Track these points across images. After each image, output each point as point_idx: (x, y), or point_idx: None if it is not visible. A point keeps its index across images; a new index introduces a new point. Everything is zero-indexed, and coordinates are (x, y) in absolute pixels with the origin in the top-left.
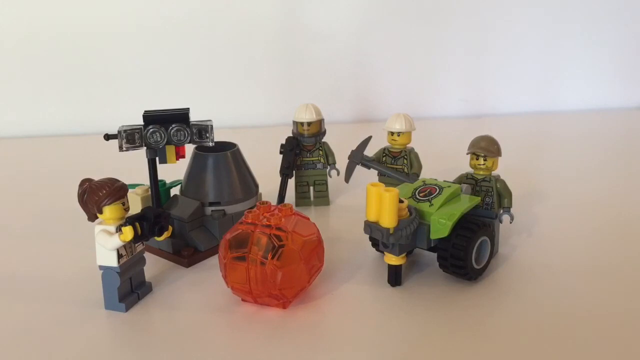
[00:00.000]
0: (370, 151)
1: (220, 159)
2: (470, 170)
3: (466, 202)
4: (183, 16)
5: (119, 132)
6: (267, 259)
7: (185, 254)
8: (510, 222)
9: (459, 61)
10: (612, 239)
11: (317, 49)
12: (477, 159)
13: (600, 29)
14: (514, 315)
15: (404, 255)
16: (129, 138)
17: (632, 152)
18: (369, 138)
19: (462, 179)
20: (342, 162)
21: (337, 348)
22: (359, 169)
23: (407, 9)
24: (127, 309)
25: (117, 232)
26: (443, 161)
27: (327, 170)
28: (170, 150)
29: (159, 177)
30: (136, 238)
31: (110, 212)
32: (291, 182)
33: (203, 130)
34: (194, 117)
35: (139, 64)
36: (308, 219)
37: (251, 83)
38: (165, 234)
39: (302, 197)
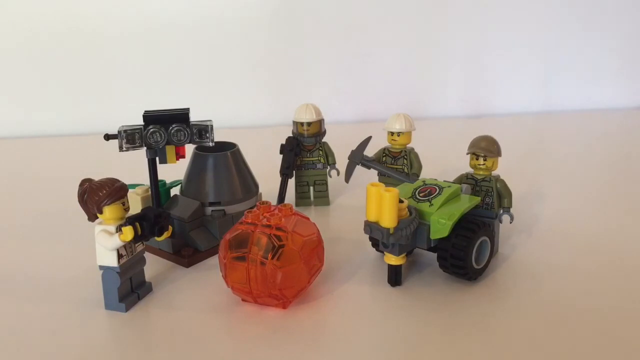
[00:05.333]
0: (370, 151)
1: (220, 159)
2: (470, 170)
3: (466, 202)
4: (183, 16)
5: (119, 132)
6: (267, 259)
7: (185, 254)
8: (510, 222)
9: (458, 61)
10: (612, 239)
11: (318, 48)
12: (477, 159)
13: (600, 29)
14: (514, 315)
15: (404, 255)
16: (129, 138)
17: (632, 152)
18: (369, 138)
19: (462, 179)
20: (342, 162)
21: (337, 348)
22: (359, 169)
23: (407, 9)
24: (127, 309)
25: (117, 232)
26: (443, 161)
27: (327, 170)
28: (170, 150)
29: (159, 177)
30: (136, 238)
31: (110, 212)
32: (291, 182)
33: (203, 130)
34: (194, 117)
35: (139, 64)
36: (308, 219)
37: (251, 83)
38: (165, 234)
39: (302, 197)
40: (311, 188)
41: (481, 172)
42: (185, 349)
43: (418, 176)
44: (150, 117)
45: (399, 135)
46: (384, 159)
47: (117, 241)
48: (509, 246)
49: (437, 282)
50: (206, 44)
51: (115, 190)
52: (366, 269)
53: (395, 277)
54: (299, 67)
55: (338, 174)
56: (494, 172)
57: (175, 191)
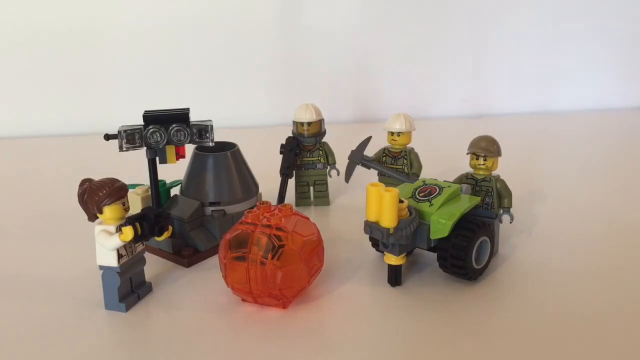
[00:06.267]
0: (370, 151)
1: (220, 159)
2: (470, 170)
3: (466, 202)
4: (183, 16)
5: (119, 132)
6: (267, 259)
7: (185, 254)
8: (510, 222)
9: (459, 61)
10: (612, 239)
11: (318, 49)
12: (477, 159)
13: (600, 28)
14: (514, 315)
15: (404, 255)
16: (129, 138)
17: (632, 152)
18: (369, 138)
19: (462, 179)
20: (342, 162)
21: (337, 348)
22: (359, 169)
23: (407, 9)
24: (127, 309)
25: (117, 232)
26: (443, 161)
27: (327, 170)
28: (170, 150)
29: (159, 177)
30: (136, 238)
31: (110, 212)
32: (291, 182)
33: (203, 130)
34: (194, 117)
35: (139, 64)
36: (308, 219)
37: (251, 83)
38: (165, 234)
39: (302, 197)
40: (311, 188)
41: (481, 172)
42: (185, 349)
43: (418, 176)
44: (150, 117)
45: (399, 135)
46: (384, 159)
47: (117, 241)
48: (509, 246)
49: (437, 282)
50: (206, 44)
51: (115, 190)
52: (366, 269)
53: (395, 277)
54: (299, 67)
55: (338, 174)
56: (494, 172)
57: (175, 191)
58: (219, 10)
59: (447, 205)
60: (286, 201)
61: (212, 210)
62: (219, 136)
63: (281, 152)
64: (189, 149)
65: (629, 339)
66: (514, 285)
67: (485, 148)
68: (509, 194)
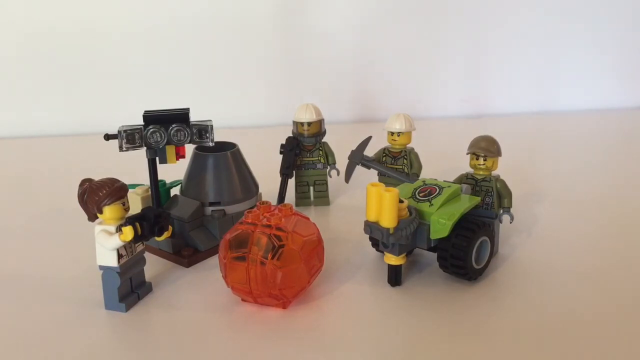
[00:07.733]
0: (370, 151)
1: (220, 159)
2: (470, 170)
3: (466, 202)
4: (183, 16)
5: (119, 132)
6: (267, 259)
7: (185, 254)
8: (510, 222)
9: (459, 61)
10: (612, 239)
11: (318, 48)
12: (477, 159)
13: (600, 28)
14: (514, 315)
15: (404, 255)
16: (129, 138)
17: (632, 152)
18: (369, 138)
19: (462, 179)
20: (342, 162)
21: (337, 348)
22: (359, 169)
23: (407, 9)
24: (127, 309)
25: (117, 232)
26: (443, 161)
27: (327, 170)
28: (170, 150)
29: (159, 177)
30: (136, 238)
31: (110, 212)
32: (291, 182)
33: (203, 130)
34: (194, 117)
35: (139, 64)
36: (308, 219)
37: (251, 83)
38: (165, 234)
39: (302, 197)
40: (311, 188)
41: (481, 172)
42: (185, 349)
43: (418, 176)
44: (150, 117)
45: (399, 135)
46: (384, 159)
47: (117, 241)
48: (509, 246)
49: (437, 282)
50: (206, 44)
51: (115, 190)
52: (366, 269)
53: (395, 277)
54: (299, 67)
55: (338, 174)
56: (494, 172)
57: (175, 191)
58: (219, 10)
59: (447, 205)
60: (286, 201)
61: (212, 210)
62: (219, 136)
63: (281, 152)
64: (189, 149)
65: (629, 339)
66: (514, 285)
67: (485, 148)
68: (509, 194)
